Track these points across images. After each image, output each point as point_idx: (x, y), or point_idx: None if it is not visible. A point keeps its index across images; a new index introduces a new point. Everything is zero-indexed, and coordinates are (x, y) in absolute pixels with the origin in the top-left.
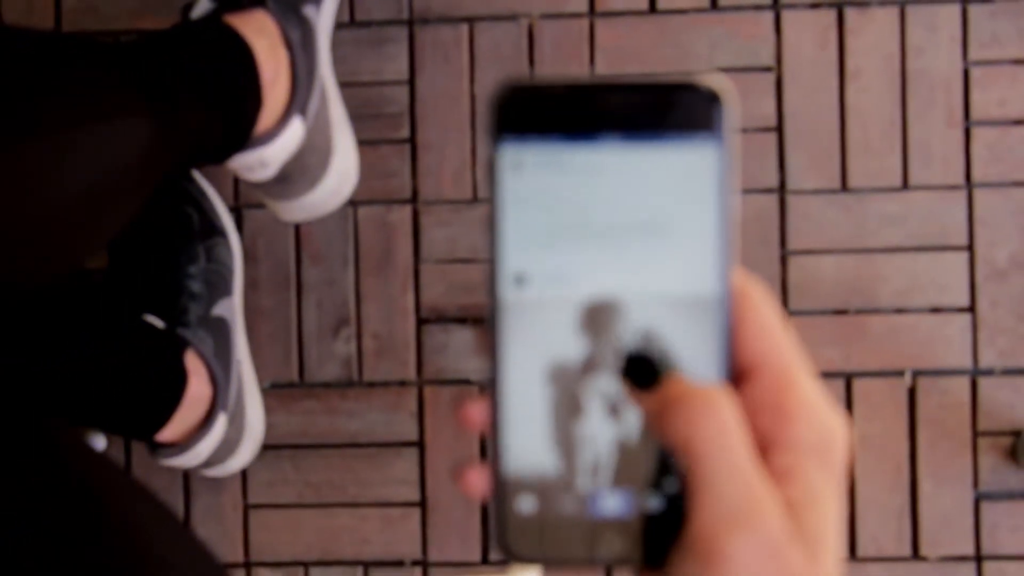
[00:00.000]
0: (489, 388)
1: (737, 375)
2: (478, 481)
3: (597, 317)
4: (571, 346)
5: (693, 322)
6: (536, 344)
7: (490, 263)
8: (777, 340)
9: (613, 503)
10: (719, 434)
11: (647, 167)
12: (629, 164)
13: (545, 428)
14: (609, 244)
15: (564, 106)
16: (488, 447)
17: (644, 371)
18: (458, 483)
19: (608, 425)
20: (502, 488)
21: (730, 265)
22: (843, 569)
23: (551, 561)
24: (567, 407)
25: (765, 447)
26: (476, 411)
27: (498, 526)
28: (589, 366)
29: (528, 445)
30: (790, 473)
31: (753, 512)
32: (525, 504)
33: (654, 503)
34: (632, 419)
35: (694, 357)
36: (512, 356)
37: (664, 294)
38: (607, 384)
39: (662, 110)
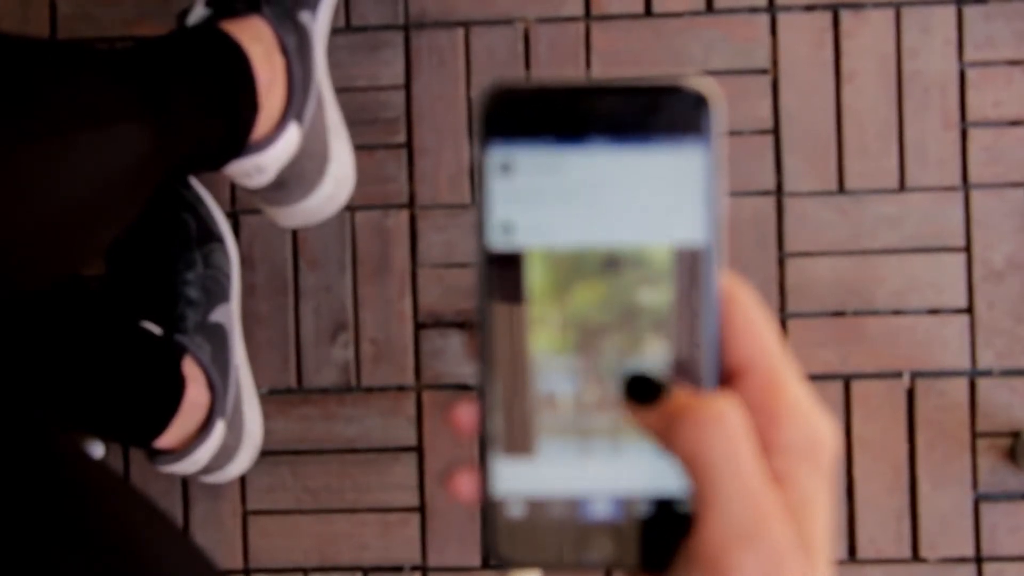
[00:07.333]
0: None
1: (725, 378)
2: (467, 485)
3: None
4: None
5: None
6: None
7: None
8: (765, 342)
9: (605, 507)
10: (728, 449)
11: (635, 168)
12: (617, 165)
13: None
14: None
15: (552, 108)
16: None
17: (645, 387)
18: (447, 488)
19: None
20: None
21: (719, 267)
22: (836, 571)
23: (540, 564)
24: None
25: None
26: (465, 413)
27: (488, 529)
28: None
29: None
30: (783, 478)
31: (760, 528)
32: (515, 506)
33: (644, 508)
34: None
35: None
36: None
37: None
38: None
39: (650, 112)
